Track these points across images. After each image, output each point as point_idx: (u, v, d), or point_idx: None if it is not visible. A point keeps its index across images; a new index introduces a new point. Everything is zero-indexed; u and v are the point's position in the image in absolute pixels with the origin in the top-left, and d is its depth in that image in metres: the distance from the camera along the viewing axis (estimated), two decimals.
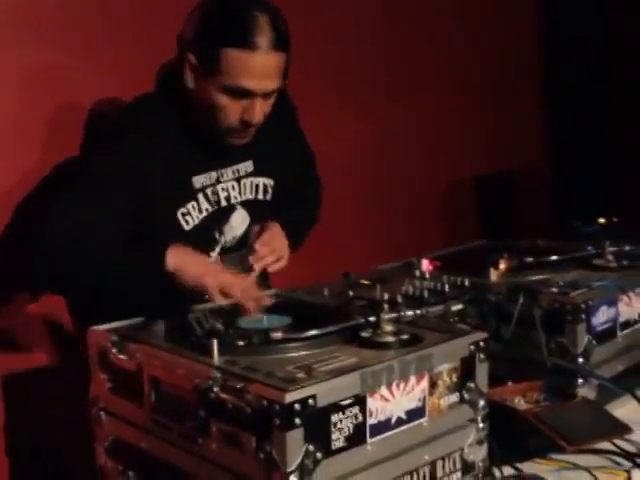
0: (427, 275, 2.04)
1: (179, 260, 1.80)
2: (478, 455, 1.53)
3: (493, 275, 1.97)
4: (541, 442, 1.61)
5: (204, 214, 2.04)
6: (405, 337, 1.50)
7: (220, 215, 2.08)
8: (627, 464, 1.61)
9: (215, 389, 1.35)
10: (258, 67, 1.87)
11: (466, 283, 1.94)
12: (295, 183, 2.28)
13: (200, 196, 2.04)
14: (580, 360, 1.78)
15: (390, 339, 1.49)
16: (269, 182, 2.17)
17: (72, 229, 1.85)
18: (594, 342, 1.81)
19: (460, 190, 3.84)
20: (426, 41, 3.65)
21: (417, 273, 2.07)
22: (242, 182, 2.11)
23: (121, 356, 1.58)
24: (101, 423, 1.66)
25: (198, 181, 2.04)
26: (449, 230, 3.70)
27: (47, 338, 2.47)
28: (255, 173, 2.14)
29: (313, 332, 1.50)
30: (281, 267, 2.05)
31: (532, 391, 1.76)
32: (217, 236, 2.07)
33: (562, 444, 1.56)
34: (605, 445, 1.65)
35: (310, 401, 1.26)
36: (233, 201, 2.10)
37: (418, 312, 1.62)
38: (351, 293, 1.89)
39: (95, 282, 1.88)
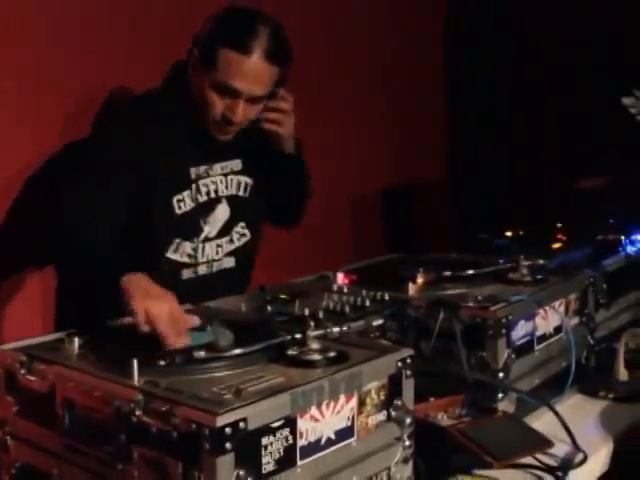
0: (345, 289, 2.01)
1: (132, 279, 1.69)
2: (404, 473, 1.50)
3: (411, 289, 1.96)
4: (466, 458, 1.60)
5: (194, 203, 2.17)
6: (332, 355, 1.46)
7: (207, 206, 2.21)
8: (549, 478, 1.62)
9: (137, 412, 1.29)
10: (248, 71, 2.03)
11: (386, 297, 1.92)
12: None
13: (194, 186, 2.17)
14: (500, 374, 1.78)
15: (317, 357, 1.45)
16: (250, 181, 2.30)
17: (75, 213, 1.99)
18: (513, 356, 1.81)
19: (365, 204, 3.84)
20: (330, 50, 3.64)
21: (334, 287, 2.04)
22: (229, 178, 2.26)
23: (30, 377, 1.49)
24: (7, 448, 1.56)
25: (194, 172, 2.18)
26: (356, 244, 3.70)
27: None
28: (242, 172, 2.29)
29: (238, 351, 1.45)
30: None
31: (454, 406, 1.75)
32: (202, 225, 2.20)
33: (489, 460, 1.55)
34: (527, 459, 1.65)
35: (241, 424, 1.20)
36: (220, 194, 2.23)
37: (345, 328, 1.59)
38: (269, 308, 1.84)
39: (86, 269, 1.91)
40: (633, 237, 2.56)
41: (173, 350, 1.49)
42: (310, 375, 1.38)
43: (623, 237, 2.56)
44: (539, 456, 1.67)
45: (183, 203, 2.15)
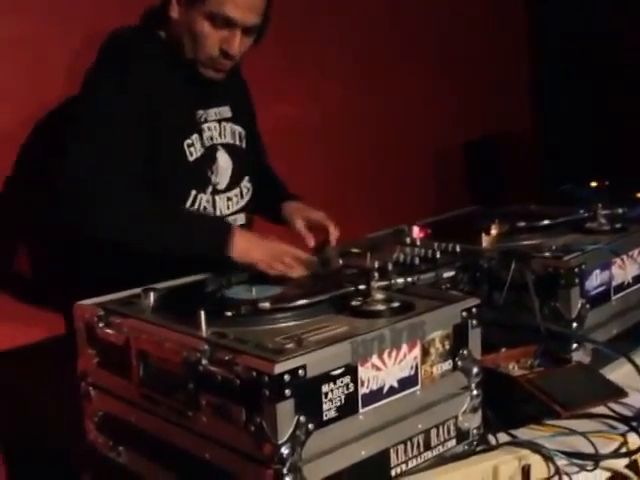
0: (418, 242, 2.02)
1: (245, 247, 1.83)
2: (472, 423, 1.51)
3: (485, 241, 1.95)
4: (536, 408, 1.59)
5: (203, 149, 2.09)
6: (396, 305, 1.48)
7: (211, 153, 2.12)
8: (623, 427, 1.60)
9: (203, 361, 1.33)
10: None
11: (457, 249, 1.91)
12: (256, 147, 2.36)
13: (199, 130, 2.09)
14: (574, 325, 1.75)
15: (381, 307, 1.47)
16: (242, 131, 2.23)
17: (87, 165, 1.86)
18: (588, 306, 1.78)
19: (448, 156, 3.81)
20: (412, 4, 3.61)
21: (408, 240, 2.05)
22: (222, 125, 2.17)
23: (108, 330, 1.56)
24: (90, 398, 1.64)
25: (199, 115, 2.11)
26: (439, 197, 3.68)
27: (30, 316, 2.43)
28: (232, 119, 2.20)
29: (302, 302, 1.48)
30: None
31: (526, 357, 1.74)
32: (210, 175, 2.11)
33: (557, 409, 1.54)
34: (600, 409, 1.64)
35: (300, 371, 1.23)
36: (216, 142, 2.13)
37: (409, 280, 1.60)
38: (341, 261, 1.86)
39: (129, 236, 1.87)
40: None
41: (239, 302, 1.53)
42: (373, 325, 1.40)
43: None
44: (614, 406, 1.65)
45: (194, 148, 2.06)
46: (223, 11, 1.96)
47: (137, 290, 1.67)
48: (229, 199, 2.15)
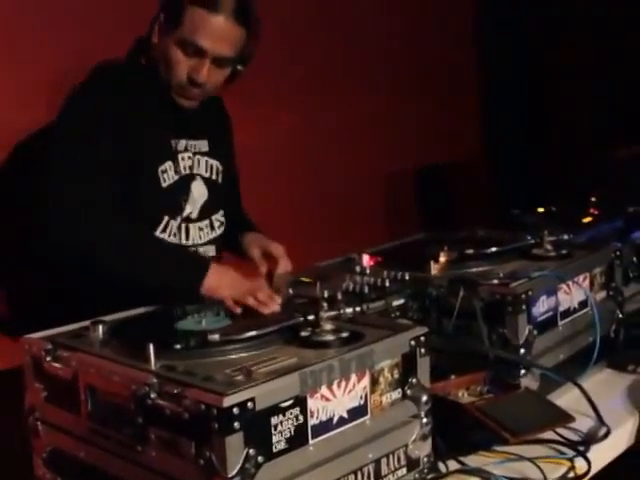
0: (367, 270, 2.03)
1: (215, 283, 1.85)
2: (423, 451, 1.52)
3: (434, 268, 1.96)
4: (485, 435, 1.60)
5: (178, 176, 2.13)
6: (345, 335, 1.49)
7: (186, 182, 2.16)
8: (571, 452, 1.62)
9: (152, 395, 1.32)
10: (214, 28, 2.01)
11: (406, 277, 1.93)
12: (232, 188, 2.37)
13: (174, 158, 2.13)
14: (522, 351, 1.77)
15: (330, 338, 1.48)
16: (220, 166, 2.26)
17: (83, 195, 1.91)
18: (535, 332, 1.80)
19: (399, 184, 3.85)
20: (361, 25, 3.65)
21: (358, 269, 2.06)
22: (197, 158, 2.20)
23: (55, 364, 1.54)
24: (38, 434, 1.62)
25: (174, 143, 2.14)
26: (391, 223, 3.71)
27: None
28: (209, 154, 2.23)
29: (251, 333, 1.48)
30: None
31: (475, 384, 1.75)
32: (182, 203, 2.15)
33: (505, 436, 1.56)
34: (549, 435, 1.65)
35: (249, 404, 1.23)
36: (194, 172, 2.18)
37: (357, 309, 1.61)
38: (291, 291, 1.87)
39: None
40: None
41: (188, 334, 1.52)
42: (322, 355, 1.41)
43: None
44: (562, 431, 1.67)
45: (167, 175, 2.10)
46: (194, 39, 2.01)
47: (86, 323, 1.65)
48: (201, 229, 2.19)
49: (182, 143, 2.16)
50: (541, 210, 2.73)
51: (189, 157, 2.17)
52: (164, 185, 2.10)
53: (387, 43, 3.78)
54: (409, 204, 3.90)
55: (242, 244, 2.28)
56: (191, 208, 2.16)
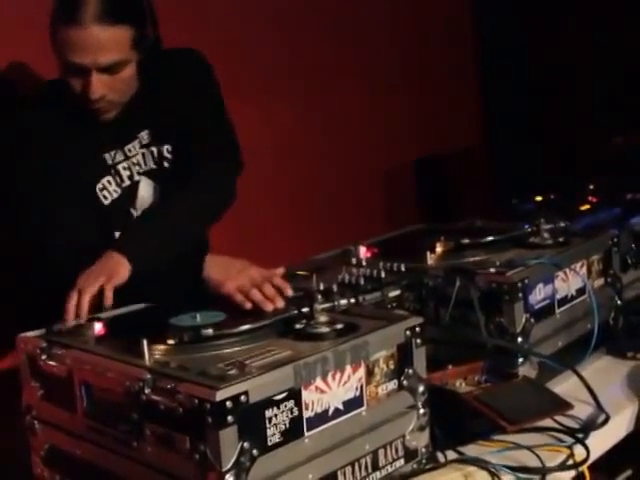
0: (364, 262, 2.02)
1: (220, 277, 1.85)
2: (420, 441, 1.51)
3: (430, 259, 1.96)
4: (483, 424, 1.60)
5: (119, 190, 2.07)
6: (340, 327, 1.48)
7: (130, 191, 2.10)
8: (569, 440, 1.61)
9: (146, 391, 1.32)
10: (80, 41, 1.88)
11: (402, 268, 1.92)
12: (200, 151, 2.17)
13: (113, 172, 2.07)
14: (519, 339, 1.77)
15: (324, 330, 1.47)
16: (167, 147, 2.14)
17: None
18: (532, 320, 1.80)
19: (398, 175, 3.84)
20: (360, 19, 3.64)
21: (354, 261, 2.05)
22: (139, 156, 2.12)
23: (51, 362, 1.54)
24: (35, 432, 1.62)
25: (109, 157, 2.08)
26: (391, 215, 3.70)
27: None
28: (154, 142, 2.12)
29: (245, 327, 1.48)
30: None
31: (473, 373, 1.75)
32: (130, 210, 2.10)
33: (503, 425, 1.55)
34: (547, 422, 1.65)
35: (242, 398, 1.23)
36: (136, 177, 2.11)
37: (352, 300, 1.60)
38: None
39: None
40: None
41: (181, 329, 1.52)
42: (316, 347, 1.40)
43: None
44: (561, 419, 1.67)
45: (107, 192, 2.06)
46: (66, 58, 1.91)
47: (81, 320, 1.66)
48: None
49: (118, 154, 2.09)
50: (539, 199, 2.72)
51: (127, 165, 2.10)
52: (106, 203, 2.06)
53: (385, 34, 3.77)
54: (408, 195, 3.89)
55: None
56: (139, 211, 2.11)
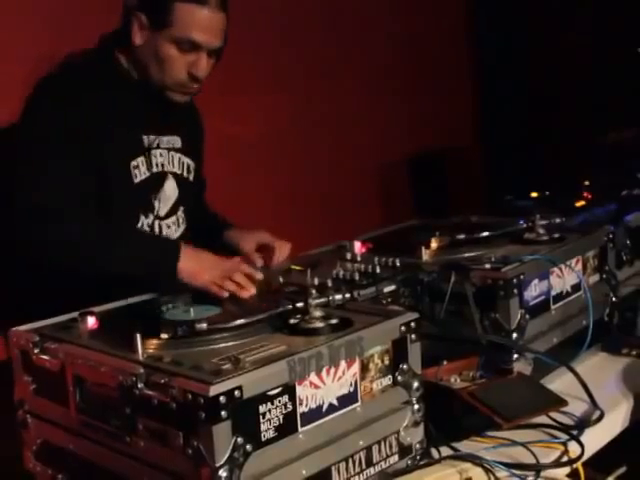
0: (358, 257, 2.02)
1: (193, 269, 1.84)
2: (415, 437, 1.51)
3: (425, 254, 1.95)
4: (478, 420, 1.59)
5: (149, 172, 2.10)
6: (334, 322, 1.47)
7: (158, 180, 2.14)
8: (564, 436, 1.61)
9: (139, 385, 1.31)
10: (207, 22, 2.00)
11: (398, 264, 1.91)
12: (201, 184, 2.37)
13: (147, 154, 2.11)
14: (514, 335, 1.76)
15: (319, 324, 1.46)
16: (192, 163, 2.24)
17: (52, 196, 1.90)
18: (527, 316, 1.79)
19: (394, 171, 3.83)
20: (358, 18, 3.63)
21: (349, 256, 2.05)
22: (171, 154, 2.18)
23: (43, 356, 1.53)
24: (28, 427, 1.61)
25: (146, 140, 2.11)
26: (386, 212, 3.69)
27: None
28: (182, 151, 2.21)
29: (239, 322, 1.47)
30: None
31: (468, 369, 1.74)
32: (153, 201, 2.13)
33: (498, 421, 1.55)
34: (541, 419, 1.65)
35: (236, 393, 1.22)
36: (166, 168, 2.16)
37: (347, 295, 1.59)
38: (281, 279, 1.86)
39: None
40: None
41: (175, 323, 1.51)
42: (311, 342, 1.40)
43: None
44: (555, 415, 1.67)
45: (138, 170, 2.07)
46: (189, 36, 1.99)
47: (74, 314, 1.64)
48: (168, 227, 2.17)
49: (154, 139, 2.13)
50: (535, 195, 2.71)
51: (161, 154, 2.14)
52: (136, 181, 2.07)
53: (382, 33, 3.76)
54: (404, 192, 3.89)
55: (228, 242, 2.27)
56: (160, 205, 2.14)
